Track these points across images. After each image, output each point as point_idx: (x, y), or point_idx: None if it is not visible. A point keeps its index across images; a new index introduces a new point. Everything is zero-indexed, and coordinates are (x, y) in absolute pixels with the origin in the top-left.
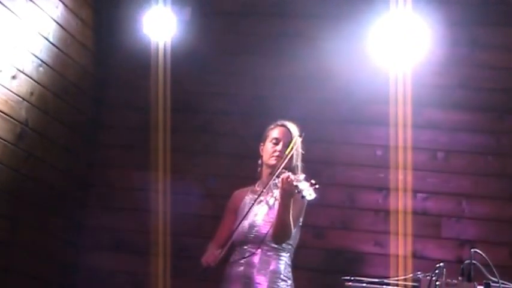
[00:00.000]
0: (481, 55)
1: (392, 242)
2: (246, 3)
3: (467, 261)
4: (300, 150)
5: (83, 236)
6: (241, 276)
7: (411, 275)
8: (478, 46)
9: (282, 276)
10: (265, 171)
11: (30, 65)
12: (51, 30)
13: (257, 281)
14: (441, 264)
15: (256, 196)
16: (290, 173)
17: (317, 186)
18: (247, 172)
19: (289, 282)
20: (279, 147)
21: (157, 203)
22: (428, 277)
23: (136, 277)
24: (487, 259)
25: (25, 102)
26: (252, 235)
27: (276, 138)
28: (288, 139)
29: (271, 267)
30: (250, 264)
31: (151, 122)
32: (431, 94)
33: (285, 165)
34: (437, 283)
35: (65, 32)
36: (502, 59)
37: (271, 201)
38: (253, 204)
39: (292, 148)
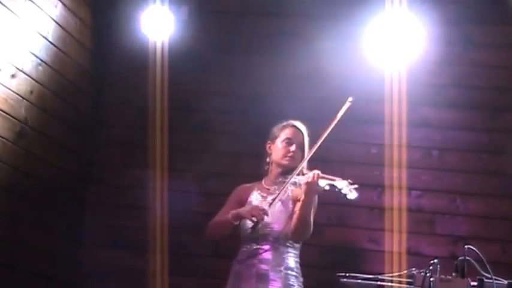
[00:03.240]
0: (475, 54)
1: (387, 238)
2: (243, 2)
3: (461, 258)
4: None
5: (82, 233)
6: (255, 274)
7: (406, 271)
8: (472, 45)
9: (294, 273)
10: (275, 170)
11: (29, 64)
12: (50, 30)
13: (272, 277)
14: (435, 260)
15: (265, 194)
16: (319, 171)
17: (356, 186)
18: (246, 170)
19: (301, 279)
20: (293, 148)
21: (156, 200)
22: (422, 273)
23: (135, 273)
24: (481, 255)
25: (24, 100)
26: (266, 232)
27: (289, 139)
28: (300, 140)
29: (285, 264)
30: (264, 261)
31: (150, 120)
32: (426, 93)
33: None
34: (431, 279)
35: (64, 31)
36: (495, 58)
37: (285, 199)
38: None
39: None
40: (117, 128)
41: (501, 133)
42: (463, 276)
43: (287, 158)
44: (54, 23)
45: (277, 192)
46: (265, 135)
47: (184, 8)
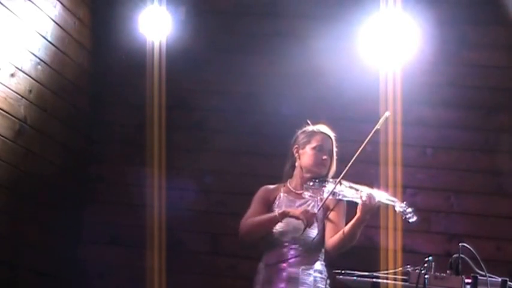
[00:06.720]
0: (469, 54)
1: (382, 236)
2: (240, 3)
3: (455, 255)
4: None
5: (80, 231)
6: (286, 277)
7: (401, 268)
8: (467, 45)
9: (323, 275)
10: (304, 175)
11: (28, 63)
12: (49, 29)
13: (303, 280)
14: (430, 258)
15: (292, 197)
16: (371, 192)
17: (411, 209)
18: (242, 168)
19: (328, 281)
20: (326, 155)
21: (153, 198)
22: (417, 270)
23: (133, 271)
24: (475, 253)
25: (24, 99)
26: (296, 236)
27: (321, 146)
28: (330, 147)
29: (316, 267)
30: (295, 265)
31: (147, 119)
32: (421, 92)
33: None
34: (426, 276)
35: (62, 31)
36: (489, 58)
37: (318, 205)
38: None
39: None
40: (116, 126)
41: (495, 132)
42: (457, 273)
43: (320, 165)
44: (53, 22)
45: (312, 197)
46: (261, 133)
47: (182, 8)
